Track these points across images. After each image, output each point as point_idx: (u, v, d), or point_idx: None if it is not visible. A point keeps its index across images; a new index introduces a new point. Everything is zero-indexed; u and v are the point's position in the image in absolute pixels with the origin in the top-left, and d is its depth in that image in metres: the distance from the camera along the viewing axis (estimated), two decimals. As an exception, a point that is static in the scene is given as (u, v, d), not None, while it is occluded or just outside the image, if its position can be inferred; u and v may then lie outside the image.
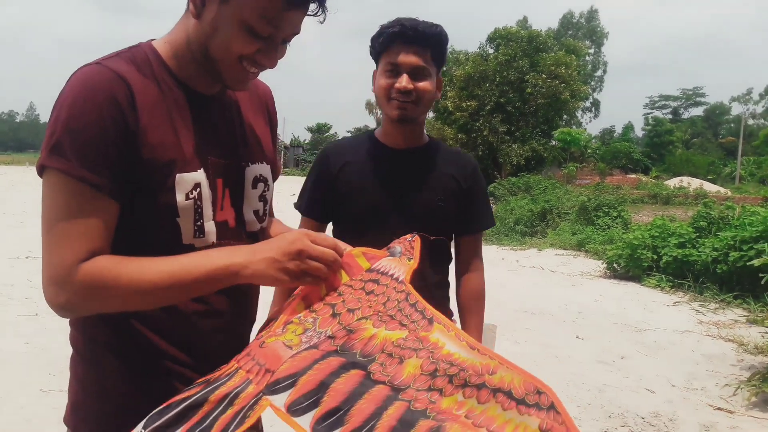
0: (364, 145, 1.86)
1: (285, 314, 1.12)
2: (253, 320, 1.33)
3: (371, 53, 1.76)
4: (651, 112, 78.21)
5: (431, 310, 1.03)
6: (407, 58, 1.66)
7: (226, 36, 1.07)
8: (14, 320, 5.39)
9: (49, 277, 1.03)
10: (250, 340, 1.33)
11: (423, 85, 1.67)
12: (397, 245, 1.22)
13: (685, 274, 8.37)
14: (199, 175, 1.12)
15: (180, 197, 1.09)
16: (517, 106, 31.06)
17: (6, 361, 4.40)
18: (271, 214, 1.46)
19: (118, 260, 1.04)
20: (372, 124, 62.06)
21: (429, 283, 1.75)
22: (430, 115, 47.76)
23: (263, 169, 1.29)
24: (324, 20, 1.13)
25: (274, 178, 1.36)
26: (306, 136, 72.67)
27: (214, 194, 1.16)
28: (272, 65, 1.14)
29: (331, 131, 71.17)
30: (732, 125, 73.21)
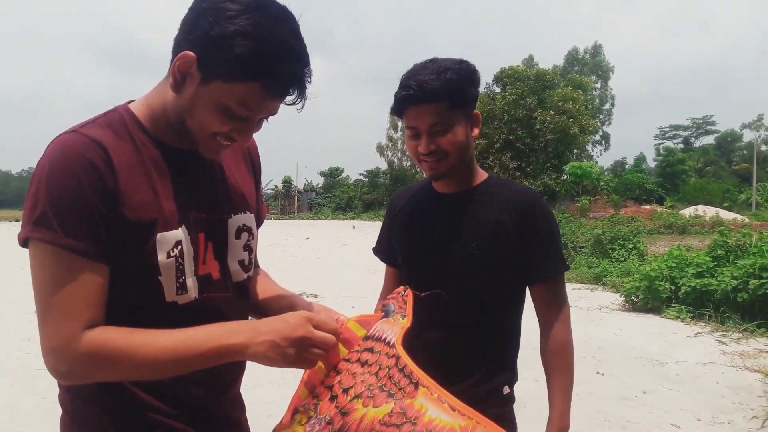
0: (420, 189, 1.83)
1: (292, 402, 1.21)
2: (240, 369, 1.32)
3: (392, 112, 1.68)
4: (662, 143, 78.26)
5: (418, 373, 1.05)
6: (422, 120, 1.57)
7: (203, 114, 1.09)
8: (32, 374, 5.40)
9: (49, 348, 1.04)
10: (237, 393, 1.33)
11: (445, 141, 1.58)
12: (391, 302, 1.25)
13: (705, 304, 8.23)
14: (180, 233, 1.13)
15: (161, 256, 1.10)
16: (527, 143, 31.25)
17: (24, 418, 4.39)
18: (257, 265, 1.44)
19: (121, 332, 1.05)
20: (383, 166, 62.69)
21: (438, 346, 1.64)
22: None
23: (247, 218, 1.29)
24: (302, 108, 1.14)
25: (258, 225, 1.37)
26: (319, 180, 73.41)
27: (196, 249, 1.16)
28: (246, 141, 1.18)
29: (344, 174, 71.80)
30: (745, 152, 72.86)
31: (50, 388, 5.04)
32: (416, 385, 1.03)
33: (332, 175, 71.23)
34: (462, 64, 1.60)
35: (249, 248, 1.30)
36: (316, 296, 9.45)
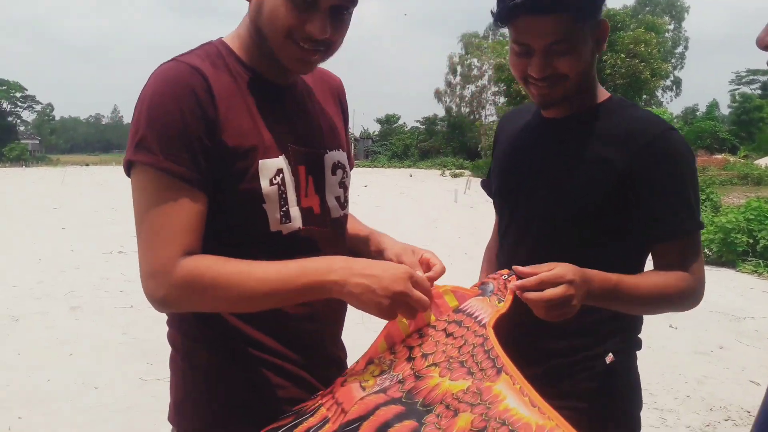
0: (528, 111, 1.53)
1: (368, 352, 1.16)
2: (344, 307, 1.29)
3: (494, 20, 1.33)
4: (738, 88, 73.71)
5: (504, 359, 0.99)
6: (537, 36, 1.25)
7: (270, 9, 1.06)
8: (111, 311, 5.68)
9: (147, 271, 1.04)
10: (341, 334, 1.33)
11: (565, 63, 1.26)
12: (491, 281, 1.18)
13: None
14: (281, 162, 1.13)
15: (264, 183, 1.10)
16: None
17: (105, 351, 4.63)
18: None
19: (217, 261, 1.04)
20: (441, 112, 61.72)
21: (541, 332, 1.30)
22: (501, 101, 47.10)
23: (341, 156, 1.28)
24: None
25: (350, 168, 1.35)
26: (375, 128, 73.04)
27: (297, 181, 1.16)
28: (323, 34, 1.07)
29: (400, 121, 71.22)
30: (830, 98, 68.01)
31: (131, 324, 5.31)
32: (499, 371, 0.98)
33: (389, 122, 70.68)
34: None
35: (344, 186, 1.29)
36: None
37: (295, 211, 1.15)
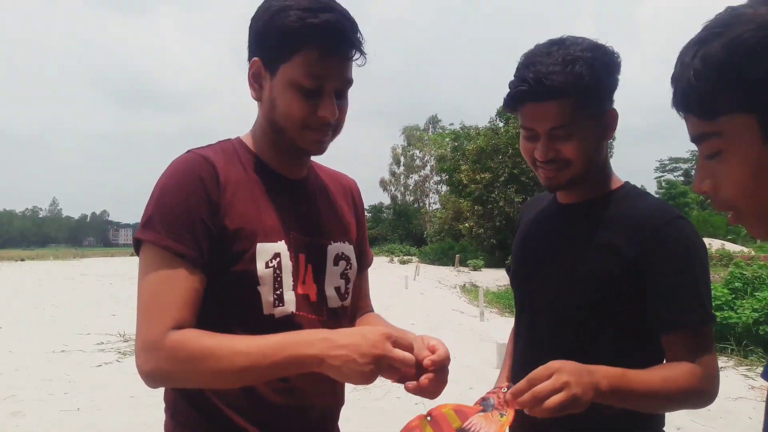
0: (547, 199, 1.55)
1: None
2: (338, 400, 1.33)
3: (503, 107, 1.39)
4: (663, 175, 78.59)
5: None
6: (540, 121, 1.29)
7: (283, 102, 1.18)
8: (57, 415, 5.34)
9: (140, 345, 1.09)
10: (336, 415, 1.33)
11: (568, 147, 1.29)
12: (491, 396, 1.21)
13: (726, 338, 8.16)
14: (280, 246, 1.19)
15: (260, 265, 1.16)
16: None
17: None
18: (370, 308, 1.49)
19: (202, 334, 1.08)
20: (387, 201, 62.87)
21: None
22: (444, 189, 48.50)
23: (345, 248, 1.34)
24: (364, 63, 1.21)
25: (362, 265, 1.41)
26: (322, 216, 73.33)
27: (296, 267, 1.21)
28: (333, 116, 1.19)
29: (347, 210, 71.83)
30: (746, 183, 73.01)
31: (79, 429, 4.98)
32: None
33: (335, 210, 71.28)
34: (597, 51, 1.28)
35: (346, 277, 1.34)
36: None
37: (289, 296, 1.20)
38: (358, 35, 1.18)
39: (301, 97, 1.16)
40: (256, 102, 1.25)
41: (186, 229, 1.11)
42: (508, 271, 1.65)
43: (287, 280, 1.19)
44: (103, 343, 8.92)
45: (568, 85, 1.24)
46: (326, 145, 1.26)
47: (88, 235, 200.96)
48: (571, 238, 1.39)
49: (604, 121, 1.34)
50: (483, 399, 1.22)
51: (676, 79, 0.77)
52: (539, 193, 1.66)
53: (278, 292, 1.18)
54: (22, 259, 41.86)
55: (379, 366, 1.02)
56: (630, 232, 1.29)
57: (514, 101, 1.31)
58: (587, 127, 1.29)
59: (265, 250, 1.17)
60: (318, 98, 1.17)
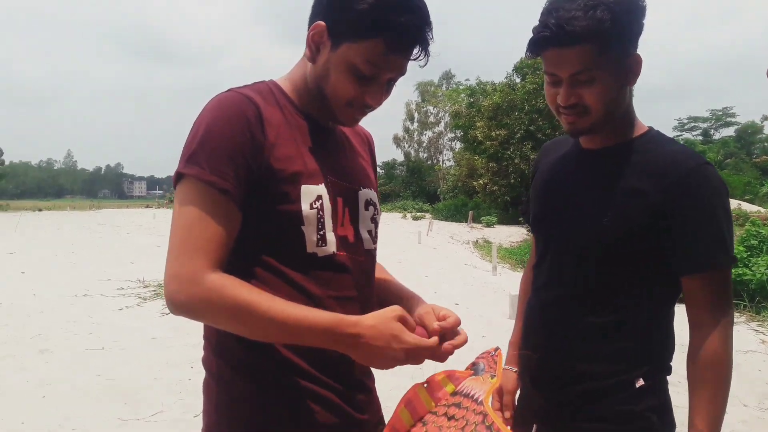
0: (568, 142, 1.57)
1: None
2: None
3: (527, 51, 1.40)
4: (681, 134, 77.30)
5: (504, 430, 1.06)
6: (561, 66, 1.32)
7: (336, 78, 1.18)
8: (82, 353, 5.54)
9: (174, 273, 1.09)
10: None
11: (589, 93, 1.32)
12: (480, 361, 1.27)
13: (740, 294, 8.20)
14: (321, 189, 1.21)
15: (305, 206, 1.18)
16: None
17: (80, 393, 4.52)
18: None
19: (242, 287, 1.09)
20: (400, 157, 62.55)
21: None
22: (458, 146, 48.03)
23: (372, 194, 1.38)
24: (425, 64, 1.21)
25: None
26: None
27: (335, 210, 1.24)
28: (377, 104, 1.23)
29: (360, 166, 71.63)
30: (766, 144, 71.83)
31: (104, 365, 5.19)
32: None
33: (348, 166, 71.05)
34: None
35: (375, 221, 1.37)
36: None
37: (331, 236, 1.22)
38: (430, 38, 1.17)
39: (355, 80, 1.17)
40: (304, 57, 1.24)
41: (230, 166, 1.11)
42: (523, 214, 1.67)
43: (328, 221, 1.21)
44: (123, 288, 9.14)
45: (589, 30, 1.25)
46: (359, 122, 1.31)
47: (102, 187, 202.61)
48: (596, 183, 1.41)
49: (627, 66, 1.34)
50: (473, 364, 1.28)
51: None
52: (559, 137, 1.66)
53: (321, 232, 1.20)
54: (40, 209, 42.35)
55: (409, 356, 1.10)
56: (655, 177, 1.31)
57: (536, 47, 1.33)
58: (610, 73, 1.31)
59: (309, 192, 1.19)
60: (370, 84, 1.19)
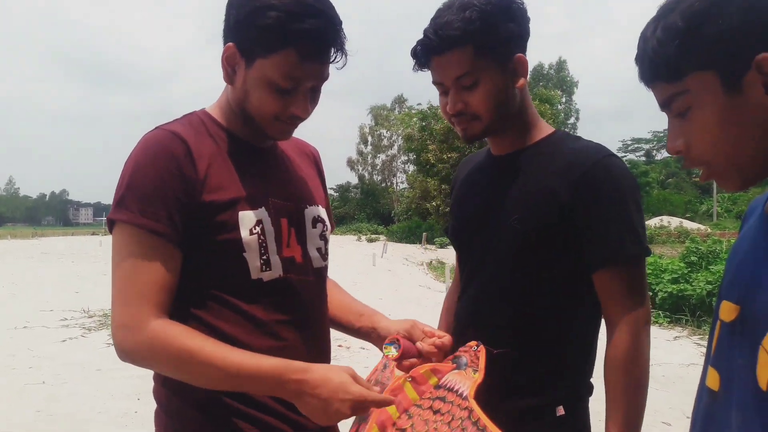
0: (481, 155, 1.58)
1: None
2: (326, 355, 1.36)
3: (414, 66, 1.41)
4: (625, 155, 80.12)
5: (491, 428, 1.08)
6: (444, 73, 1.33)
7: (257, 96, 1.18)
8: (22, 389, 5.30)
9: (120, 322, 1.11)
10: None
11: (475, 97, 1.32)
12: (463, 355, 1.27)
13: (681, 309, 8.50)
14: (261, 213, 1.21)
15: (244, 233, 1.17)
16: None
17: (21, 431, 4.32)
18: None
19: (184, 332, 1.10)
20: (354, 180, 62.74)
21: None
22: (411, 169, 48.67)
23: (320, 211, 1.37)
24: (343, 65, 1.21)
25: (330, 228, 1.43)
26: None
27: (278, 232, 1.24)
28: (305, 115, 1.23)
29: (314, 189, 71.44)
30: (704, 164, 74.89)
31: (45, 400, 4.95)
32: None
33: (302, 189, 70.76)
34: None
35: (324, 238, 1.37)
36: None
37: (275, 260, 1.21)
38: (342, 37, 1.16)
39: (275, 94, 1.16)
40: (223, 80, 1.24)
41: (161, 207, 1.10)
42: (446, 232, 1.66)
43: (272, 245, 1.21)
44: (66, 319, 8.79)
45: (462, 31, 1.26)
46: (291, 134, 1.30)
47: (46, 214, 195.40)
48: (506, 186, 1.39)
49: (511, 67, 1.34)
50: (455, 356, 1.28)
51: (640, 53, 0.86)
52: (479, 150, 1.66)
53: (264, 257, 1.19)
54: (-22, 238, 40.53)
55: (356, 408, 1.09)
56: (562, 174, 1.30)
57: (420, 57, 1.35)
58: (492, 74, 1.31)
59: (247, 218, 1.18)
60: (292, 95, 1.17)
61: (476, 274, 1.45)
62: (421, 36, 1.33)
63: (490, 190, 1.44)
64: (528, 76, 1.41)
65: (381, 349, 1.32)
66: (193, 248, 1.15)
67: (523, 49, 1.36)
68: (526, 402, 1.33)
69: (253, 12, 1.12)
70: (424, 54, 1.33)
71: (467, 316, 1.45)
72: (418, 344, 1.31)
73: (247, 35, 1.14)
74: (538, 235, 1.31)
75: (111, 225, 1.15)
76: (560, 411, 1.32)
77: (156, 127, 1.20)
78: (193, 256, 1.16)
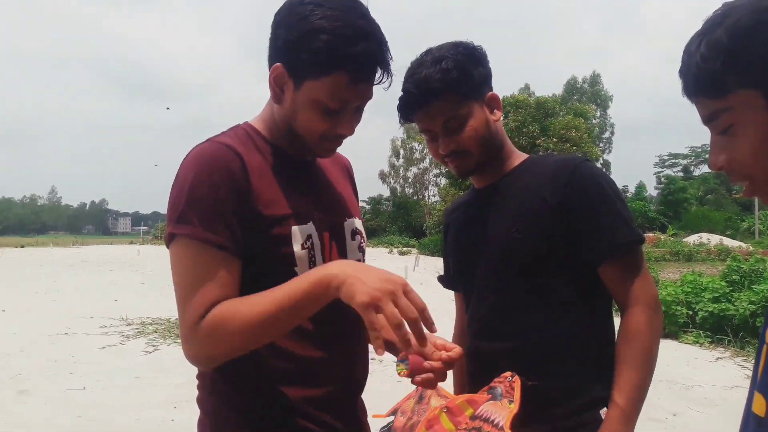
0: (466, 195, 1.72)
1: None
2: (366, 370, 1.38)
3: (399, 120, 1.56)
4: (662, 171, 78.72)
5: None
6: (433, 120, 1.45)
7: (305, 116, 1.20)
8: (63, 394, 5.43)
9: (183, 334, 1.13)
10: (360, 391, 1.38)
11: (464, 136, 1.44)
12: (498, 386, 1.28)
13: (723, 329, 8.26)
14: (310, 228, 1.23)
15: (297, 247, 1.19)
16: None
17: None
18: None
19: (232, 301, 1.11)
20: (386, 193, 62.83)
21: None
22: (443, 182, 48.47)
23: (357, 223, 1.40)
24: (389, 86, 1.21)
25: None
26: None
27: (322, 245, 1.26)
28: (350, 133, 1.25)
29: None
30: (745, 180, 72.96)
31: (85, 406, 5.06)
32: None
33: (334, 201, 71.08)
34: (457, 48, 1.46)
35: (362, 250, 1.39)
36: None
37: None
38: (389, 59, 1.18)
39: (324, 115, 1.18)
40: (269, 96, 1.25)
41: (221, 221, 1.12)
42: (441, 281, 1.75)
43: (319, 259, 1.23)
44: (105, 326, 8.99)
45: (443, 82, 1.40)
46: (336, 150, 1.32)
47: (86, 223, 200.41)
48: (498, 209, 1.49)
49: (488, 105, 1.49)
50: (490, 387, 1.29)
51: (685, 68, 0.85)
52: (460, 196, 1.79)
53: None
54: (22, 246, 41.78)
55: (385, 302, 1.01)
56: (549, 182, 1.41)
57: (405, 112, 1.48)
58: (475, 114, 1.45)
59: (300, 233, 1.20)
60: (339, 116, 1.20)
61: (485, 296, 1.51)
62: (401, 92, 1.46)
63: (484, 217, 1.53)
64: (501, 110, 1.55)
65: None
66: (248, 262, 1.17)
67: (491, 88, 1.52)
68: (575, 405, 1.38)
69: (304, 35, 1.13)
70: (410, 108, 1.46)
71: (484, 343, 1.50)
72: (426, 363, 1.24)
73: (297, 57, 1.15)
74: (541, 239, 1.40)
75: (171, 238, 1.16)
76: (604, 411, 1.35)
77: (207, 140, 1.22)
78: (246, 270, 1.17)
